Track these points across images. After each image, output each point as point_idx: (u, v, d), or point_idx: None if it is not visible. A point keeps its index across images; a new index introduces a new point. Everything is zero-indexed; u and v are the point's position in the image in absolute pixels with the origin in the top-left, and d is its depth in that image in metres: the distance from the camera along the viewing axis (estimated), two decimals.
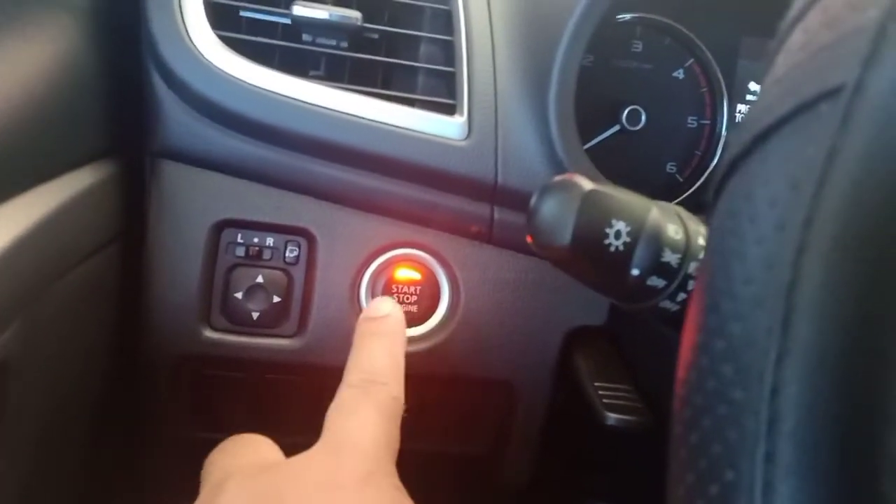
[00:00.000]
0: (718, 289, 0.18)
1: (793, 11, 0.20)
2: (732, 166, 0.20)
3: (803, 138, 0.18)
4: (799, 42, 0.19)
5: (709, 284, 0.19)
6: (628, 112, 0.52)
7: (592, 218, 0.27)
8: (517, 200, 0.45)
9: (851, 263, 0.16)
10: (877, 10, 0.17)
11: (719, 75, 0.55)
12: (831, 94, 0.17)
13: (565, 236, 0.27)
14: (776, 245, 0.17)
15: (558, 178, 0.29)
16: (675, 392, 0.19)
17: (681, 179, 0.56)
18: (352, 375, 0.34)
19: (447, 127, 0.45)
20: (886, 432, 0.15)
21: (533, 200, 0.29)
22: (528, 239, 0.29)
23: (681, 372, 0.19)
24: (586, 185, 0.27)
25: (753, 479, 0.16)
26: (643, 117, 0.52)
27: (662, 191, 0.55)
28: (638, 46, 0.55)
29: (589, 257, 0.27)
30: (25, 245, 0.33)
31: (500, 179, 0.45)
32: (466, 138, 0.45)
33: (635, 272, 0.28)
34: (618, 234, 0.27)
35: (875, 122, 0.16)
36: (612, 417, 0.40)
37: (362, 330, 0.37)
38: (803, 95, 0.18)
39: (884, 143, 0.16)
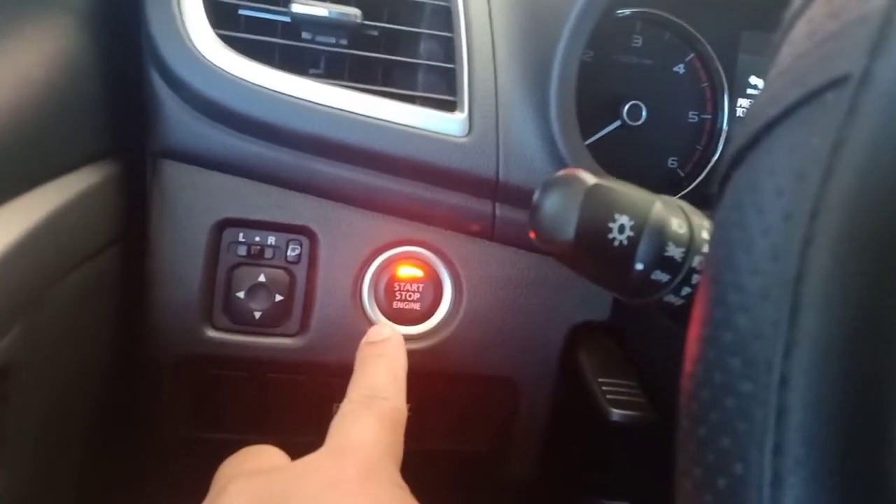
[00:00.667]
0: (725, 281, 0.18)
1: (797, 1, 0.20)
2: (738, 157, 0.19)
3: (809, 129, 0.17)
4: (804, 32, 0.19)
5: (715, 277, 0.19)
6: (629, 107, 0.52)
7: (596, 212, 0.27)
8: (519, 197, 0.45)
9: (858, 254, 0.16)
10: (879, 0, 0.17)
11: (720, 70, 0.55)
12: (837, 83, 0.17)
13: (568, 231, 0.27)
14: (783, 236, 0.17)
15: (561, 172, 0.29)
16: (682, 386, 0.19)
17: (682, 174, 0.56)
18: (354, 393, 0.35)
19: (448, 124, 0.45)
20: (894, 423, 0.15)
21: (536, 195, 0.29)
22: (532, 234, 0.29)
23: (687, 365, 0.19)
24: (589, 179, 0.27)
25: (762, 471, 0.16)
26: (644, 112, 0.52)
27: (664, 186, 0.55)
28: (638, 41, 0.54)
29: (592, 252, 0.27)
30: (26, 247, 0.32)
31: (501, 176, 0.45)
32: (467, 135, 0.45)
33: (639, 267, 0.28)
34: (621, 229, 0.27)
35: (881, 112, 0.16)
36: (616, 413, 0.40)
37: (364, 353, 0.38)
38: (809, 85, 0.18)
39: (890, 134, 0.16)
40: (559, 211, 0.27)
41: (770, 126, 0.19)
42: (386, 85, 0.46)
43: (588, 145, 0.52)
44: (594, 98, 0.52)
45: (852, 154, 0.16)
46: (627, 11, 0.53)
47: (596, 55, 0.53)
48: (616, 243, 0.27)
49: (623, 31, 0.54)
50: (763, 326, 0.17)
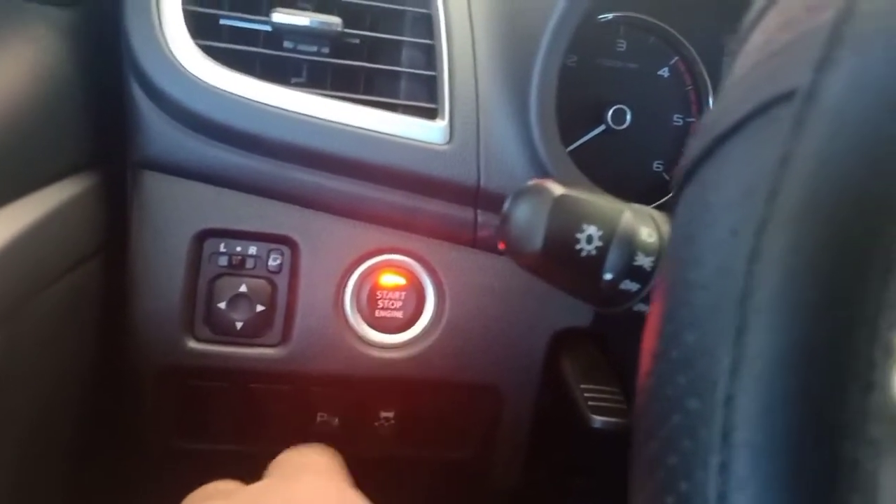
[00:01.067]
0: (675, 296, 0.18)
1: (753, 11, 0.20)
2: (691, 170, 0.19)
3: (758, 143, 0.17)
4: (758, 43, 0.19)
5: (667, 291, 0.19)
6: (613, 111, 0.52)
7: (563, 223, 0.27)
8: (500, 204, 0.45)
9: (804, 271, 0.16)
10: (832, 11, 0.17)
11: (704, 73, 0.55)
12: (785, 98, 0.17)
13: (536, 242, 0.27)
14: (730, 252, 0.17)
15: (530, 183, 0.29)
16: (636, 401, 0.19)
17: (668, 178, 0.55)
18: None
19: (429, 131, 0.45)
20: (841, 441, 0.15)
21: (505, 206, 0.29)
22: (501, 245, 0.29)
23: (640, 380, 0.19)
24: (557, 190, 0.27)
25: (707, 490, 0.16)
26: (628, 116, 0.52)
27: (649, 190, 0.55)
28: (622, 45, 0.54)
29: (560, 262, 0.27)
30: (7, 257, 0.33)
31: (482, 183, 0.45)
32: (448, 142, 0.45)
33: (608, 276, 0.28)
34: (589, 239, 0.27)
35: (828, 128, 0.16)
36: (597, 420, 0.40)
37: None
38: (758, 99, 0.18)
39: (836, 149, 0.16)
40: (527, 221, 0.27)
41: (721, 139, 0.18)
42: (368, 93, 0.46)
43: (572, 150, 0.52)
44: (578, 103, 0.52)
45: (799, 170, 0.16)
46: (610, 16, 0.53)
47: (580, 59, 0.53)
48: (584, 253, 0.27)
49: (607, 35, 0.54)
50: (710, 344, 0.17)
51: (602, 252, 0.27)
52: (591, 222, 0.27)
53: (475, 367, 0.47)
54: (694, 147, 0.19)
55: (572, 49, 0.52)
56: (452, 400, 0.48)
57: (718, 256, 0.17)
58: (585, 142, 0.53)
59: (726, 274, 0.17)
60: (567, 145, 0.52)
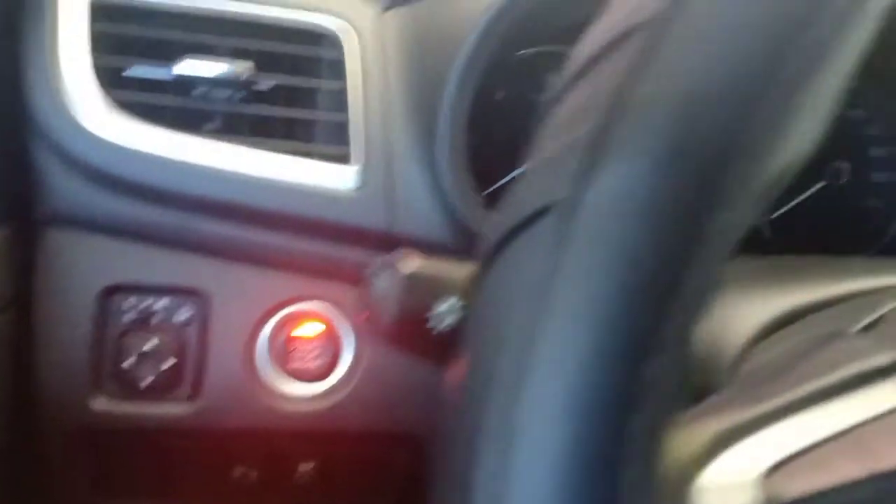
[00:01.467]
0: (468, 379, 0.18)
1: (540, 112, 0.20)
2: (484, 264, 0.19)
3: (526, 254, 0.17)
4: (538, 146, 0.19)
5: (462, 375, 0.18)
6: None
7: (414, 301, 0.26)
8: (415, 249, 0.44)
9: (572, 384, 0.15)
10: (589, 124, 0.16)
11: None
12: (547, 210, 0.16)
13: (388, 319, 0.26)
14: (497, 359, 0.16)
15: (388, 257, 0.28)
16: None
17: None
18: None
19: (340, 178, 0.44)
20: None
21: (368, 277, 0.28)
22: (363, 316, 0.28)
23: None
24: (409, 267, 0.27)
25: None
26: None
27: None
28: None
29: (414, 340, 0.26)
30: None
31: (394, 229, 0.44)
32: (360, 188, 0.44)
33: None
34: (445, 314, 0.26)
35: (587, 241, 0.16)
36: None
37: None
38: (527, 210, 0.17)
39: (595, 263, 0.15)
40: (381, 299, 0.26)
41: (503, 242, 0.18)
42: (286, 137, 0.46)
43: (499, 188, 0.52)
44: (507, 138, 0.51)
45: (564, 284, 0.16)
46: (532, 51, 0.52)
47: (508, 94, 0.53)
48: (439, 327, 0.26)
49: (536, 68, 0.53)
50: (479, 455, 0.16)
51: (462, 324, 0.27)
52: (450, 294, 0.27)
53: (395, 416, 0.46)
54: (487, 241, 0.19)
55: (500, 83, 0.52)
56: (374, 450, 0.48)
57: (490, 363, 0.17)
58: (514, 178, 0.52)
59: (492, 383, 0.16)
60: (498, 180, 0.52)
